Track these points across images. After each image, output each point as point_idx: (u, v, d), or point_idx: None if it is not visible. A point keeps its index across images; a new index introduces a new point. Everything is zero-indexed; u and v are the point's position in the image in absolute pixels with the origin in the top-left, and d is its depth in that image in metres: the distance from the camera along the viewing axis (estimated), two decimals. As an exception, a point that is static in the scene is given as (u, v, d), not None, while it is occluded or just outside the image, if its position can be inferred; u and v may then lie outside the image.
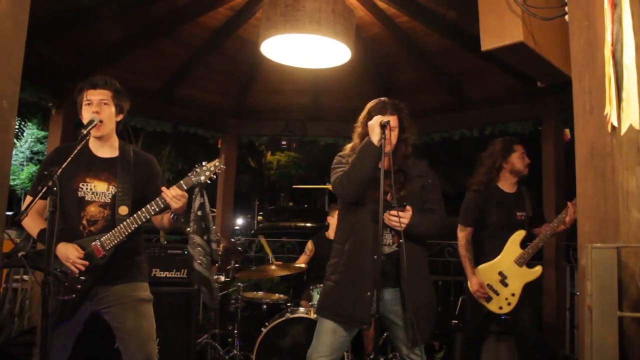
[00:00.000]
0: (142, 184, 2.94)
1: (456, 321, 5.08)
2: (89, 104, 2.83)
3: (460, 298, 5.27)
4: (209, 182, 2.84)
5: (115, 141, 3.00)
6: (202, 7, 4.83)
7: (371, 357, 4.38)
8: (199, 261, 2.98)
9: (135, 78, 5.75)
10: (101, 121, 2.80)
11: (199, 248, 2.97)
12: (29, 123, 11.54)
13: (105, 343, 3.39)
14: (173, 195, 2.73)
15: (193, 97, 6.35)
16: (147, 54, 5.46)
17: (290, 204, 28.92)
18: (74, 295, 2.74)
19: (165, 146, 11.80)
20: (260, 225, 18.39)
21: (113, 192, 2.85)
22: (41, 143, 20.24)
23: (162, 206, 2.77)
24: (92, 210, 2.83)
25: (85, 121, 2.81)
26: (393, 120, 2.93)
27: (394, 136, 2.90)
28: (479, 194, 4.11)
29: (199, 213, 2.94)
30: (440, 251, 6.58)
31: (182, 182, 2.80)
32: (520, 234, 3.97)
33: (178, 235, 9.71)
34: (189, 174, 2.83)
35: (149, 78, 5.90)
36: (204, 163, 2.84)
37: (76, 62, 5.22)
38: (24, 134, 15.34)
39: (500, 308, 3.94)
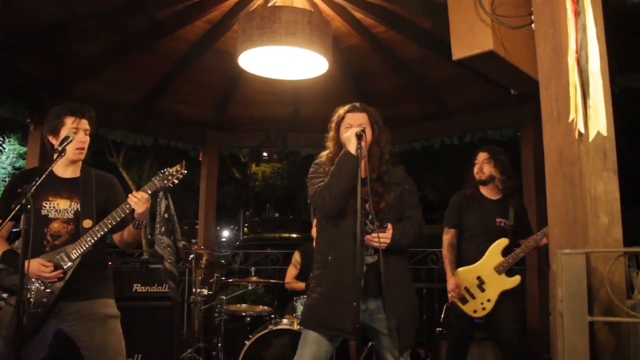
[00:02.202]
0: (103, 201, 3.03)
1: (441, 329, 5.09)
2: (75, 133, 2.94)
3: (445, 305, 5.28)
4: (171, 185, 2.97)
5: (80, 163, 3.10)
6: (179, 21, 4.81)
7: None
8: (169, 260, 3.11)
9: (114, 92, 5.75)
10: (82, 148, 2.98)
11: (168, 248, 3.11)
12: (9, 139, 11.42)
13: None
14: (139, 198, 2.82)
15: (173, 110, 6.34)
16: (126, 68, 5.44)
17: (276, 214, 28.87)
18: (39, 310, 2.74)
19: (147, 160, 11.76)
20: (245, 237, 18.34)
21: (75, 208, 2.94)
22: (23, 159, 20.04)
23: (127, 211, 2.85)
24: (56, 226, 2.90)
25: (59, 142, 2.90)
26: (362, 117, 2.98)
27: (367, 133, 2.91)
28: (460, 197, 4.26)
29: (166, 215, 3.08)
30: (423, 259, 6.60)
31: (146, 187, 2.91)
32: (502, 242, 4.05)
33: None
34: (153, 179, 2.96)
35: (129, 92, 5.88)
36: (166, 169, 2.97)
37: (54, 78, 5.18)
38: (5, 150, 15.18)
39: (475, 312, 4.04)
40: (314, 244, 5.22)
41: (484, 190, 4.23)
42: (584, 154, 1.94)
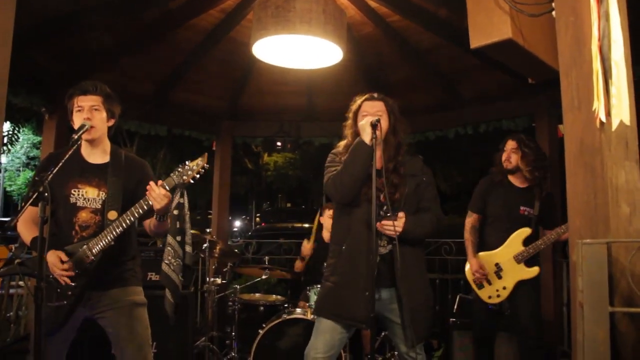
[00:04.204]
0: (133, 188, 2.92)
1: (454, 319, 5.08)
2: (79, 111, 2.83)
3: (458, 296, 5.28)
4: (192, 181, 2.78)
5: (107, 146, 2.99)
6: (193, 10, 4.81)
7: (369, 356, 4.38)
8: (166, 261, 2.88)
9: (128, 82, 5.76)
10: (92, 126, 2.80)
11: (168, 248, 2.87)
12: (24, 128, 11.51)
13: (101, 348, 3.37)
14: (156, 194, 2.68)
15: (187, 100, 6.35)
16: (140, 58, 5.46)
17: (288, 204, 28.93)
18: (65, 302, 2.73)
19: (161, 149, 11.82)
20: (257, 227, 18.39)
21: (103, 198, 2.85)
22: (37, 148, 20.26)
23: (147, 208, 2.73)
24: (84, 216, 2.82)
25: (76, 127, 2.79)
26: (379, 105, 2.98)
27: (383, 122, 2.89)
28: (486, 182, 4.26)
29: (175, 212, 2.86)
30: (437, 249, 6.58)
31: (164, 182, 2.75)
32: (525, 231, 4.01)
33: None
34: (172, 174, 2.78)
35: (143, 82, 5.90)
36: (187, 162, 2.79)
37: (69, 68, 5.21)
38: (20, 140, 15.30)
39: (490, 297, 4.07)
40: (323, 232, 5.26)
41: (512, 178, 4.18)
42: (606, 143, 1.92)
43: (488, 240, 4.16)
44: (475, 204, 4.26)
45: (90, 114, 2.83)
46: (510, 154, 4.13)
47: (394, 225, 2.78)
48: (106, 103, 2.91)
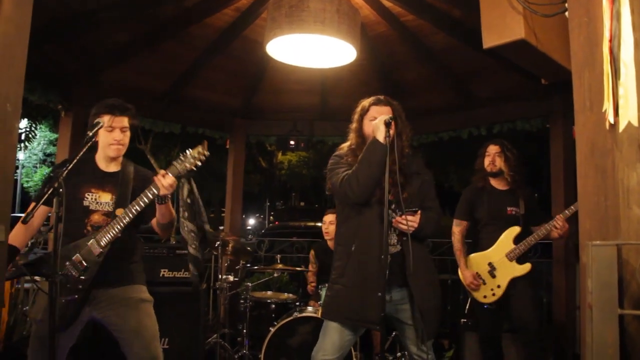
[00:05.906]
0: (138, 194, 3.02)
1: (465, 320, 5.07)
2: (110, 131, 2.97)
3: (470, 297, 5.27)
4: (194, 168, 2.86)
5: (121, 158, 3.13)
6: (208, 8, 4.84)
7: (379, 356, 4.38)
8: (193, 246, 3.20)
9: (143, 79, 5.81)
10: (121, 145, 3.02)
11: (192, 234, 3.19)
12: (40, 125, 11.61)
13: (108, 349, 3.37)
14: (169, 183, 2.79)
15: (201, 98, 6.39)
16: (155, 55, 5.49)
17: (302, 203, 28.95)
18: (76, 296, 2.79)
19: (175, 147, 11.88)
20: (271, 225, 18.45)
21: (115, 201, 2.99)
22: (54, 145, 20.44)
23: (152, 196, 2.83)
24: (96, 217, 2.95)
25: (103, 144, 3.00)
26: (386, 111, 3.01)
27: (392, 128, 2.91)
28: (470, 190, 4.39)
29: (188, 200, 3.15)
30: (449, 249, 6.54)
31: (167, 170, 2.85)
32: (514, 230, 4.13)
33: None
34: (174, 162, 2.86)
35: (157, 79, 5.94)
36: (188, 150, 2.87)
37: (85, 65, 5.27)
38: (37, 136, 15.44)
39: (485, 297, 4.15)
40: (325, 235, 5.25)
41: (494, 182, 4.32)
42: (617, 144, 1.91)
43: (481, 243, 4.26)
44: (461, 212, 4.36)
45: (120, 135, 3.00)
46: (495, 157, 4.26)
47: (411, 220, 2.81)
48: (132, 122, 3.06)
